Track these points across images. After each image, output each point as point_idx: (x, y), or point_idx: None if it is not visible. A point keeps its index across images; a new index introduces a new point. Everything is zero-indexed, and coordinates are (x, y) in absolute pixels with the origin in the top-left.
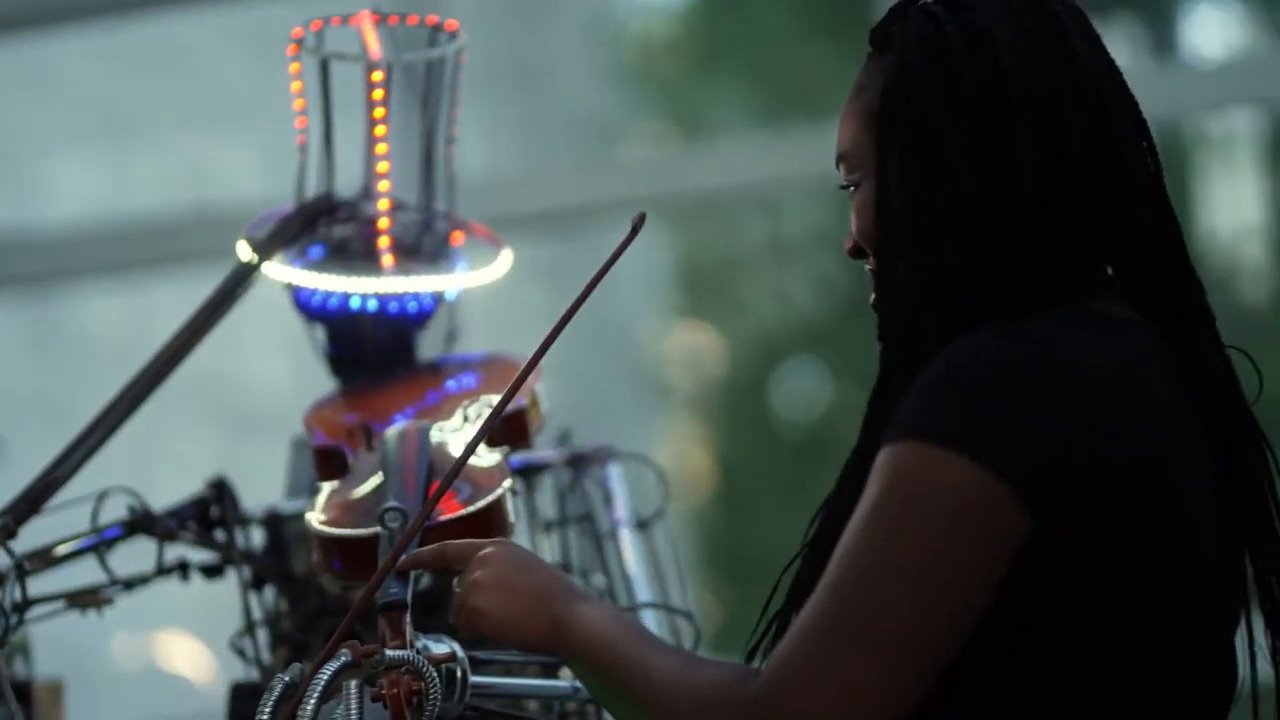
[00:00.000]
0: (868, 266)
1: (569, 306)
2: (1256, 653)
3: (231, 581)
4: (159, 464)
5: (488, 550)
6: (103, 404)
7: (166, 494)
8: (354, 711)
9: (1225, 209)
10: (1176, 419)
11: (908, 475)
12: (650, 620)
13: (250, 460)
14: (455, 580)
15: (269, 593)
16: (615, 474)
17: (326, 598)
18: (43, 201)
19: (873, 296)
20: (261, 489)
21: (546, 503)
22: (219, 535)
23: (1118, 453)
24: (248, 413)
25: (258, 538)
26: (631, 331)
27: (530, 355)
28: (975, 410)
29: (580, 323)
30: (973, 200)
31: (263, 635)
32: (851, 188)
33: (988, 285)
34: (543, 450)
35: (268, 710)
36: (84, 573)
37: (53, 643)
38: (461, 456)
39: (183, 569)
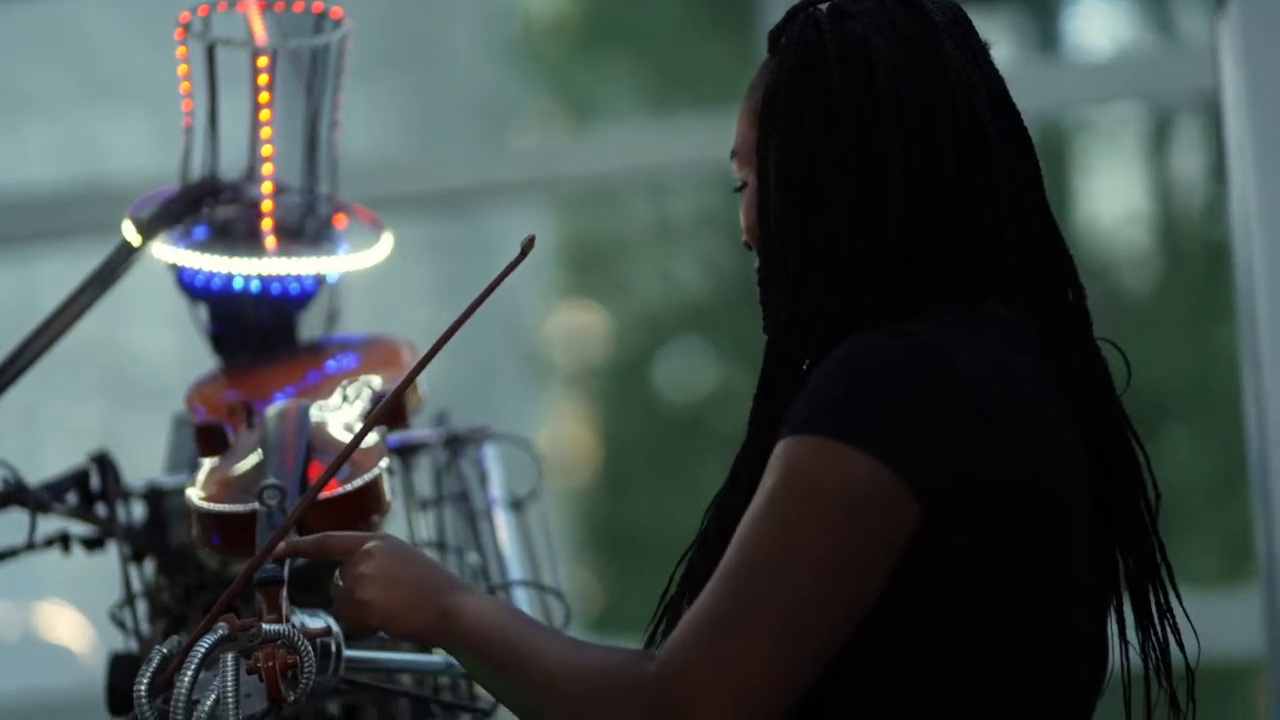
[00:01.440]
0: (754, 263)
1: (454, 321)
2: (1127, 643)
3: (112, 554)
4: (43, 433)
5: (371, 544)
6: None
7: (50, 463)
8: (230, 683)
9: (1107, 198)
10: (1051, 416)
11: (803, 468)
12: (522, 598)
13: (135, 431)
14: (337, 573)
15: (149, 566)
16: (491, 454)
17: (204, 572)
18: None
19: (758, 289)
20: (146, 460)
21: (423, 481)
22: (101, 508)
23: (1000, 447)
24: (132, 383)
25: (138, 511)
26: (517, 310)
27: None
28: (868, 406)
29: (467, 299)
30: (843, 206)
31: (142, 608)
32: (742, 186)
33: (860, 288)
34: (420, 430)
35: (145, 680)
36: None
37: None
38: (347, 448)
39: (64, 541)
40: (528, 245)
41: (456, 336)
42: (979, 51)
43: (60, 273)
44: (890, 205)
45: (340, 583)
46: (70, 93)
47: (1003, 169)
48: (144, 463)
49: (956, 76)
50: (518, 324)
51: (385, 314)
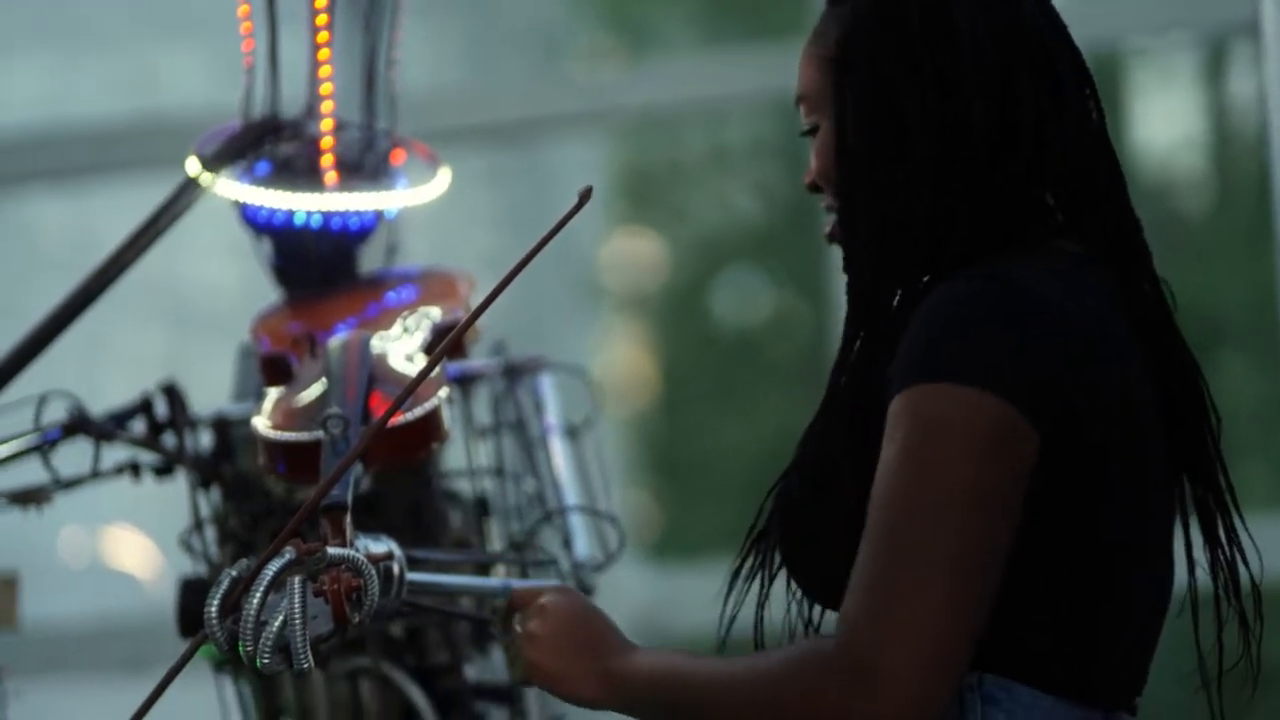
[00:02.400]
0: (824, 203)
1: (511, 269)
2: (1194, 564)
3: (178, 482)
4: (104, 362)
5: (547, 600)
6: (48, 307)
7: (111, 393)
8: (297, 605)
9: (1161, 123)
10: (1126, 345)
11: (930, 416)
12: (577, 523)
13: (195, 359)
14: (513, 619)
15: (216, 493)
16: (547, 383)
17: (270, 498)
18: None
19: (828, 228)
20: (206, 388)
21: (481, 410)
22: (169, 437)
23: (1092, 376)
24: (192, 313)
25: (205, 440)
26: (573, 238)
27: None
28: (978, 347)
29: (526, 229)
30: (926, 149)
31: (210, 534)
32: (810, 130)
33: (943, 229)
34: (478, 360)
35: (215, 603)
36: (31, 472)
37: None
38: (411, 383)
39: (133, 469)
40: (585, 196)
41: (516, 256)
42: None
43: (115, 205)
44: (973, 150)
45: (512, 634)
46: (126, 25)
47: (1073, 113)
48: (204, 391)
49: (1030, 20)
50: (574, 252)
51: (444, 244)
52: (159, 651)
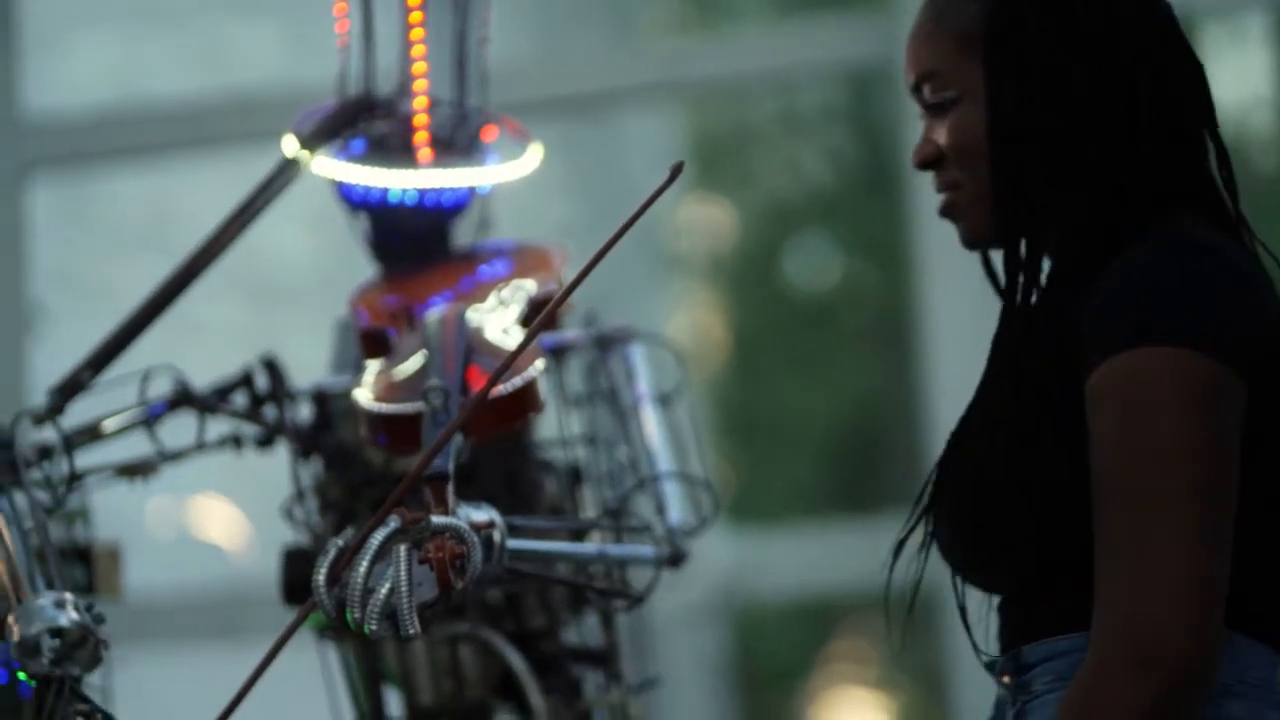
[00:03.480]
0: (939, 180)
1: (604, 244)
2: None
3: (265, 453)
4: (185, 336)
5: None
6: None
7: (192, 365)
8: (404, 573)
9: (1233, 82)
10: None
11: (1149, 379)
12: (671, 490)
13: (274, 331)
14: None
15: (316, 464)
16: (637, 352)
17: (370, 468)
18: (73, 84)
19: (942, 201)
20: (286, 359)
21: (574, 379)
22: (269, 409)
23: (1275, 326)
24: (270, 285)
25: (303, 412)
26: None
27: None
28: (1177, 308)
29: (600, 198)
30: (1095, 119)
31: (310, 504)
32: (938, 106)
33: (1117, 200)
34: (570, 331)
35: (323, 572)
36: (133, 446)
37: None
38: (509, 355)
39: (235, 441)
40: (676, 171)
41: (592, 238)
42: None
43: (191, 181)
44: (1139, 121)
45: None
46: (199, 2)
47: (1199, 84)
48: (285, 360)
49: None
50: (646, 218)
51: (520, 214)
52: (249, 619)
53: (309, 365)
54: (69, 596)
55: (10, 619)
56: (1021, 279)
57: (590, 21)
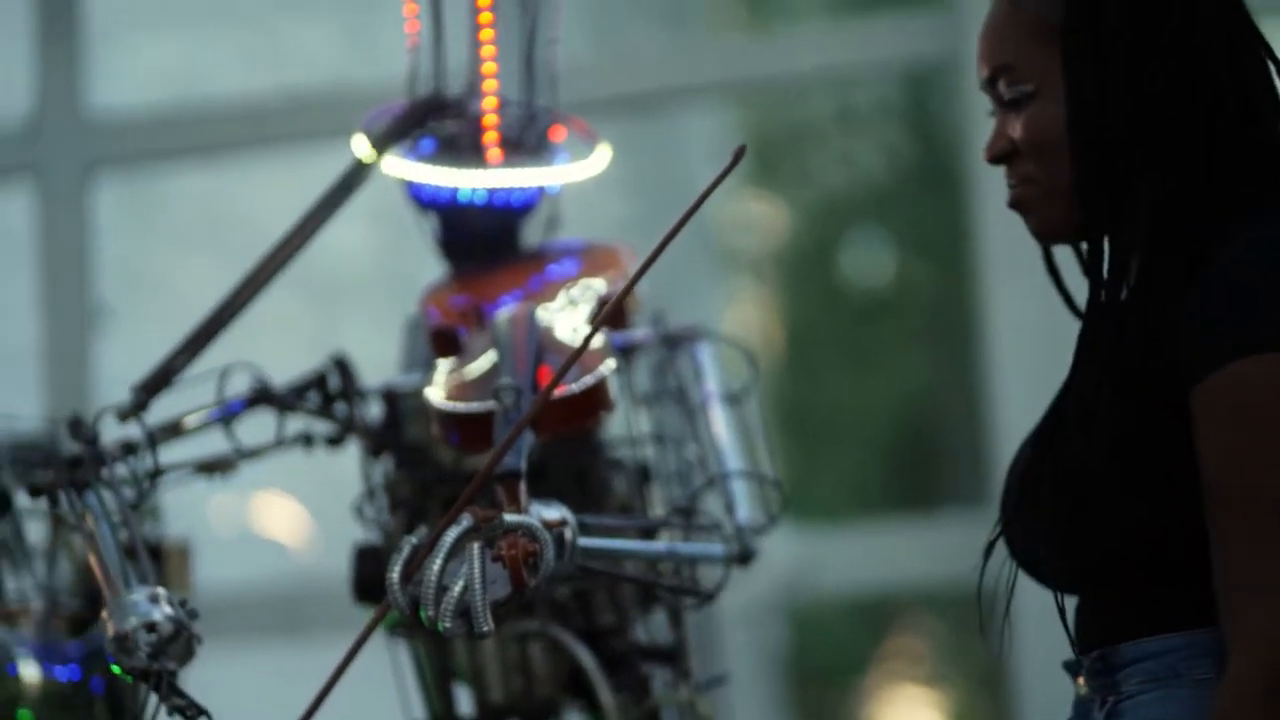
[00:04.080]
0: (1011, 174)
1: (670, 229)
2: None
3: (324, 449)
4: (250, 326)
5: None
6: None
7: (250, 355)
8: (477, 571)
9: None
10: None
11: (1256, 386)
12: (739, 488)
13: (334, 325)
14: None
15: (386, 461)
16: (705, 351)
17: (441, 467)
18: (136, 83)
19: (1012, 195)
20: (350, 351)
21: (642, 378)
22: (340, 407)
23: None
24: (327, 277)
25: (374, 410)
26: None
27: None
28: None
29: (656, 195)
30: (1180, 114)
31: (380, 501)
32: (1014, 101)
33: (1206, 193)
34: (638, 330)
35: (397, 569)
36: (208, 443)
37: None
38: (574, 352)
39: (307, 439)
40: (739, 154)
41: (649, 235)
42: None
43: (251, 179)
44: (1220, 114)
45: None
46: (261, 1)
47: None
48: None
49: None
50: (706, 214)
51: (577, 211)
52: (315, 615)
53: (366, 359)
54: (162, 591)
55: (104, 614)
56: (1108, 275)
57: (648, 20)
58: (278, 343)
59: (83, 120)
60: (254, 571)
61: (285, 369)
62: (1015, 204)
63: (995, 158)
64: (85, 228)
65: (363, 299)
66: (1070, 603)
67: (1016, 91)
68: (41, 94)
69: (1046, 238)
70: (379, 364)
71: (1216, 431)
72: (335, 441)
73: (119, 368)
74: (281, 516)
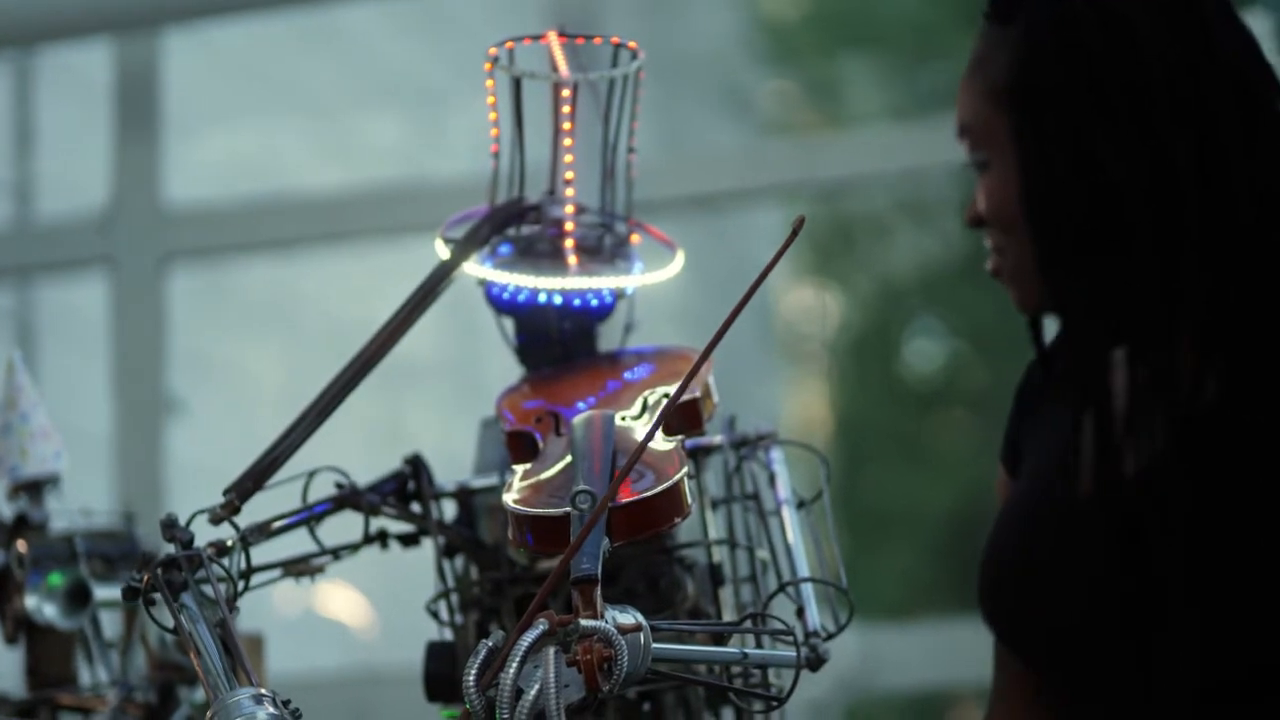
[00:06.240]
0: (988, 240)
1: (734, 307)
2: None
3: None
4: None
5: None
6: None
7: (314, 444)
8: (552, 675)
9: None
10: None
11: None
12: (809, 593)
13: (400, 413)
14: None
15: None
16: (778, 457)
17: (515, 567)
18: (209, 176)
19: (990, 264)
20: (405, 436)
21: (711, 480)
22: (415, 506)
23: None
24: (388, 365)
25: (449, 509)
26: (763, 292)
27: (696, 349)
28: None
29: (720, 285)
30: (1127, 190)
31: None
32: (979, 165)
33: (1160, 281)
34: (710, 434)
35: (473, 672)
36: (293, 544)
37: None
38: (638, 447)
39: (383, 538)
40: (798, 225)
41: (710, 319)
42: (1231, 14)
43: (320, 272)
44: (1180, 189)
45: None
46: (330, 94)
47: (1272, 128)
48: (410, 445)
49: (1220, 41)
50: (759, 303)
51: (643, 302)
52: (379, 705)
53: (424, 444)
54: (265, 691)
55: (209, 715)
56: (1078, 360)
57: (715, 120)
58: (336, 424)
59: (158, 212)
60: (320, 659)
61: (344, 451)
62: (993, 273)
63: (969, 224)
64: (159, 317)
65: (425, 385)
66: None
67: (975, 157)
68: (118, 186)
69: (1029, 309)
70: (437, 450)
71: None
72: (410, 540)
73: (189, 455)
74: (344, 605)
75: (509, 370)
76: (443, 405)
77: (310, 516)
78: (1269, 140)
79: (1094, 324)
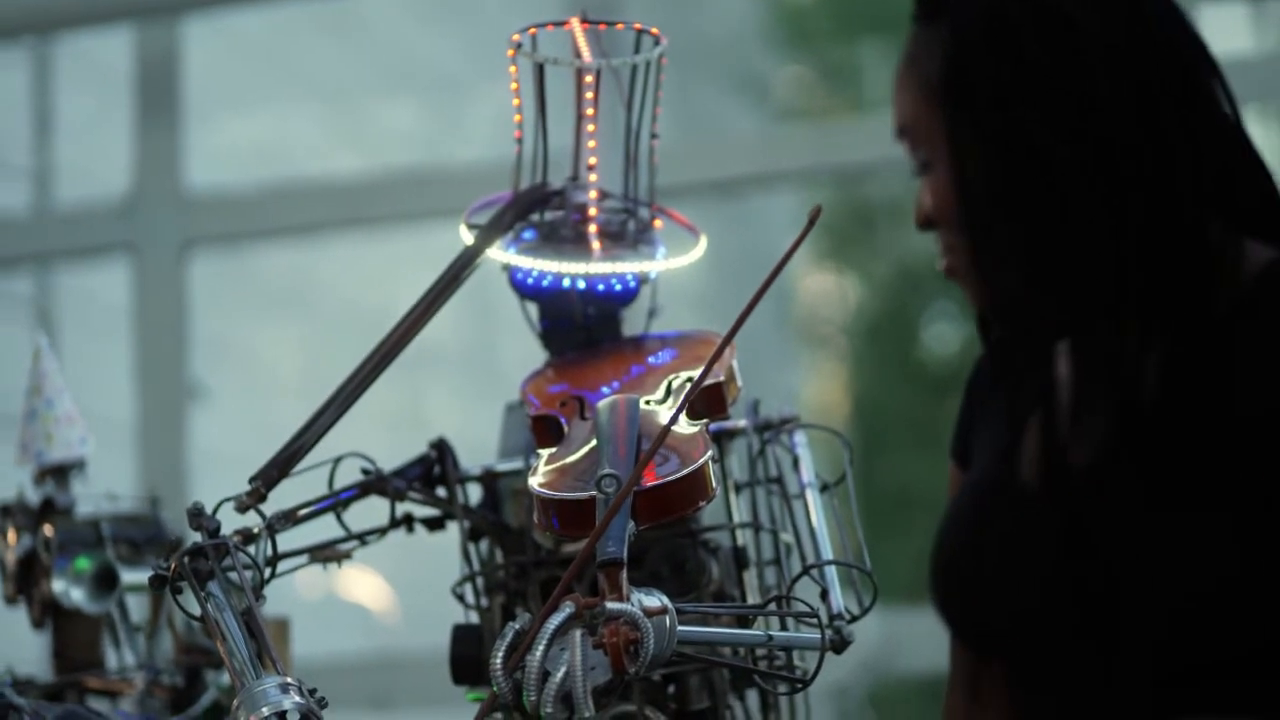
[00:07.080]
0: (939, 241)
1: (753, 296)
2: None
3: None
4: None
5: None
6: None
7: (336, 429)
8: (579, 657)
9: None
10: None
11: None
12: (833, 576)
13: (417, 396)
14: None
15: (483, 544)
16: (801, 440)
17: (540, 550)
18: (230, 162)
19: (943, 263)
20: (425, 420)
21: (734, 463)
22: (441, 490)
23: None
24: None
25: (474, 494)
26: (782, 277)
27: (719, 334)
28: None
29: (737, 270)
30: (1071, 180)
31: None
32: (922, 164)
33: (1112, 267)
34: (735, 418)
35: (501, 654)
36: (319, 529)
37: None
38: (661, 432)
39: (408, 522)
40: (815, 214)
41: (728, 304)
42: None
43: (337, 257)
44: (1126, 172)
45: None
46: (347, 80)
47: (1212, 112)
48: (430, 430)
49: (1154, 19)
50: (777, 287)
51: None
52: (401, 688)
53: (446, 428)
54: (291, 680)
55: (235, 703)
56: (995, 342)
57: (732, 106)
58: (356, 410)
59: (178, 199)
60: (342, 643)
61: (365, 437)
62: (947, 273)
63: (919, 227)
64: (180, 303)
65: (442, 371)
66: None
67: (917, 158)
68: (138, 173)
69: (981, 309)
70: (457, 435)
71: None
72: (435, 524)
73: (211, 440)
74: (367, 590)
75: (527, 355)
76: (461, 390)
77: (337, 502)
78: (1206, 118)
79: (1033, 315)
